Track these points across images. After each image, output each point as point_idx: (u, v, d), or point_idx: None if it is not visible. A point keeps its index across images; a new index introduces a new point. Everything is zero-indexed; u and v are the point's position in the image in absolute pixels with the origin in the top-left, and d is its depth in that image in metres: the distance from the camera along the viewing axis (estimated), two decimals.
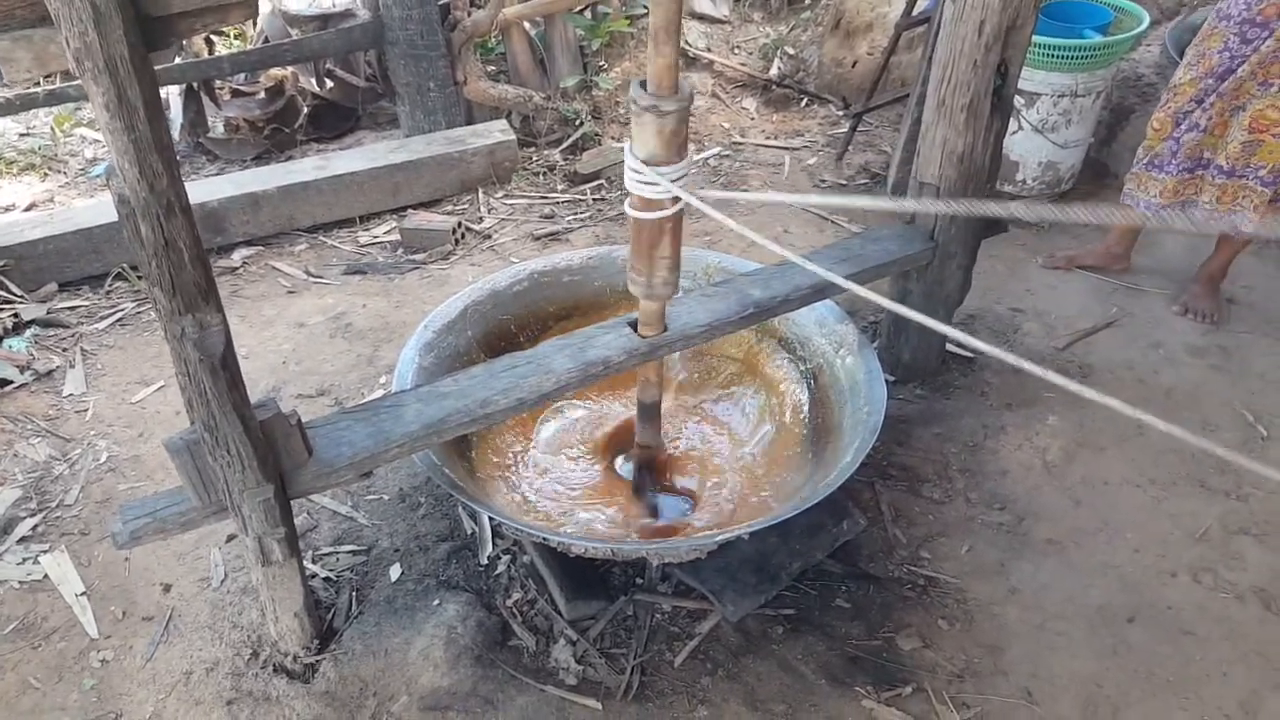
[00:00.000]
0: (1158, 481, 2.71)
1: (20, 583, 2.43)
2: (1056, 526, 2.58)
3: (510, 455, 2.66)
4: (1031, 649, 2.26)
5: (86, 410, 3.02)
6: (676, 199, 1.86)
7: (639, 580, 2.39)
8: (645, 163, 1.80)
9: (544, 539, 2.15)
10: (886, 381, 2.47)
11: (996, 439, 2.85)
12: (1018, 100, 3.70)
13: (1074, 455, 2.80)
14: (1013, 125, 3.80)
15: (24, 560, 2.49)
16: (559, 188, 4.36)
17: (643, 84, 1.76)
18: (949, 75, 2.43)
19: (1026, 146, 3.91)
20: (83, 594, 2.39)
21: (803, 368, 2.77)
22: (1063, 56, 3.61)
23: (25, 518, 2.61)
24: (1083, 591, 2.40)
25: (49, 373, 3.18)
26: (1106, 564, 2.47)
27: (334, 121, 4.93)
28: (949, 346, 3.10)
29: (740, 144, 4.75)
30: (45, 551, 2.51)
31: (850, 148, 4.54)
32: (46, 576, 2.44)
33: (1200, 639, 2.28)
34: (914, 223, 2.75)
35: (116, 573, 2.46)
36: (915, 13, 4.05)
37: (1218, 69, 2.94)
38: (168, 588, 2.42)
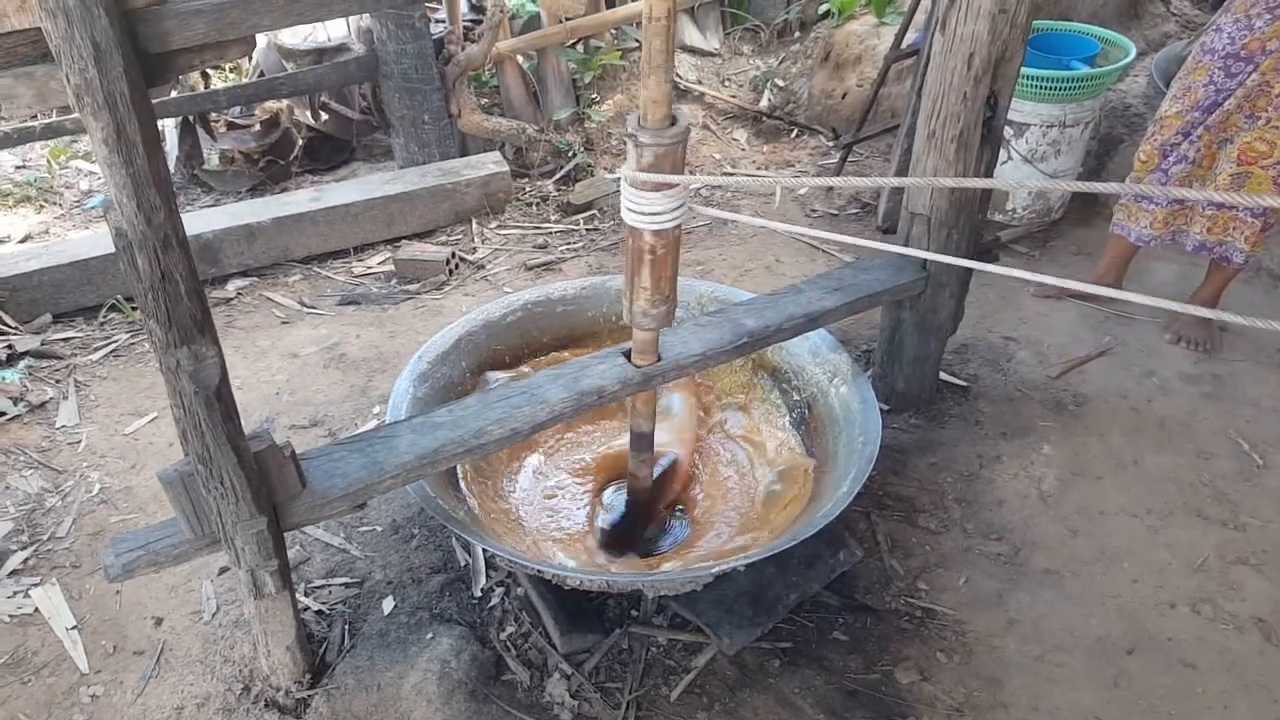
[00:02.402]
0: (1154, 511, 2.71)
1: (10, 616, 2.40)
2: (1054, 557, 2.57)
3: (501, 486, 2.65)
4: (1031, 681, 2.24)
5: (79, 442, 3.01)
6: (671, 229, 1.87)
7: (634, 613, 2.38)
8: (641, 193, 1.82)
9: (538, 571, 2.13)
10: (881, 411, 2.47)
11: (992, 468, 2.85)
12: (1007, 131, 3.74)
13: (1070, 484, 2.80)
14: (1002, 155, 3.84)
15: (14, 594, 2.46)
16: (552, 218, 4.38)
17: (638, 116, 1.77)
18: (939, 108, 2.46)
19: (1016, 176, 3.94)
20: (74, 628, 2.37)
21: (796, 398, 2.77)
22: (1051, 88, 3.65)
23: (16, 550, 2.58)
24: (1082, 622, 2.39)
25: (42, 404, 3.16)
26: (1105, 594, 2.46)
27: (329, 154, 4.96)
28: (943, 375, 3.11)
29: (732, 175, 4.78)
30: (36, 585, 2.48)
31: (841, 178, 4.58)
32: (37, 610, 2.42)
33: (1201, 671, 2.27)
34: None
35: (108, 606, 2.44)
36: (904, 45, 4.10)
37: (1203, 102, 2.98)
38: (159, 621, 2.40)
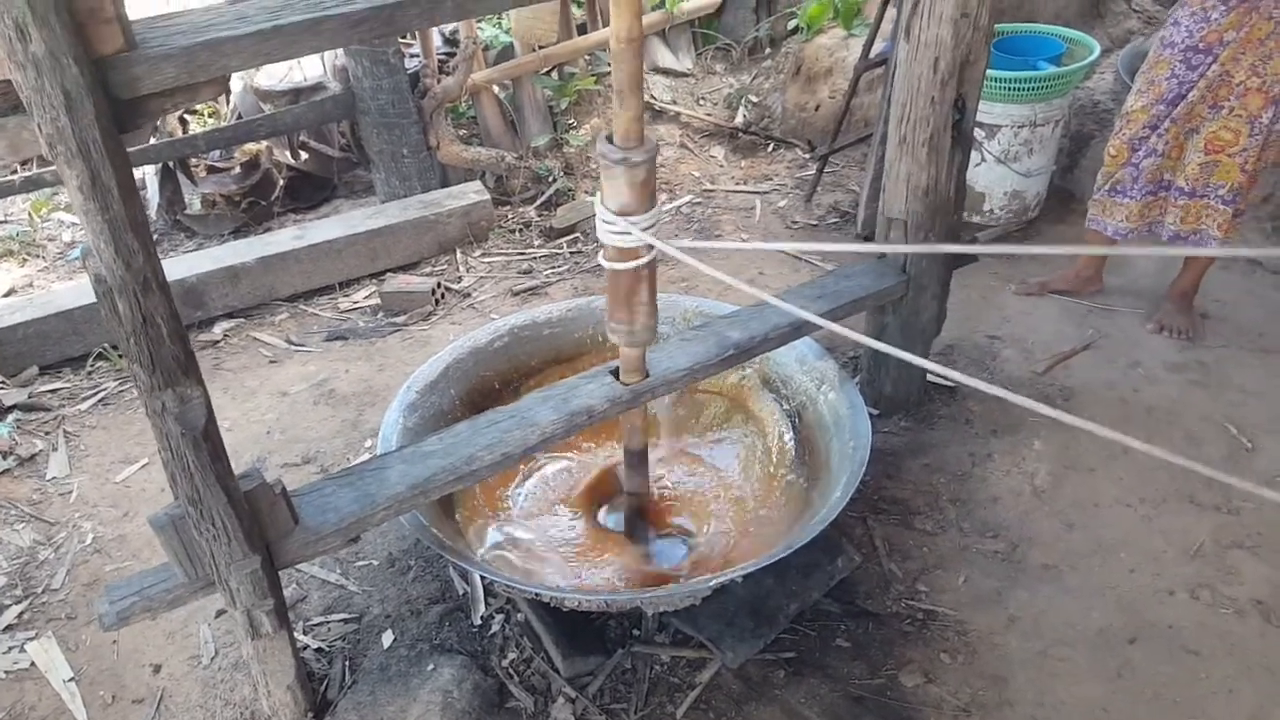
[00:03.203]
0: (1147, 500, 2.72)
1: (6, 672, 2.38)
2: (1051, 551, 2.58)
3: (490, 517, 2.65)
4: (1035, 677, 2.24)
5: (70, 492, 2.99)
6: (650, 247, 1.88)
7: (635, 632, 2.37)
8: (617, 214, 1.83)
9: (536, 594, 2.13)
10: (870, 415, 2.48)
11: (984, 466, 2.86)
12: (979, 133, 3.78)
13: (1062, 478, 2.81)
14: (976, 157, 3.88)
15: (9, 649, 2.44)
16: (535, 243, 4.40)
17: (608, 138, 1.80)
18: (908, 113, 2.49)
19: (990, 177, 3.98)
20: (71, 680, 2.35)
21: (786, 406, 2.78)
22: (1019, 89, 3.70)
23: (10, 605, 2.57)
24: (1082, 615, 2.39)
25: (32, 457, 3.15)
26: (1104, 586, 2.47)
27: (310, 192, 4.97)
28: (930, 377, 3.12)
29: (711, 191, 4.82)
30: (32, 639, 2.47)
31: (819, 189, 4.61)
32: (33, 664, 2.40)
33: (1203, 657, 2.27)
34: (885, 257, 2.79)
35: (105, 656, 2.42)
36: (872, 55, 4.15)
37: (1167, 95, 3.02)
38: (157, 668, 2.38)
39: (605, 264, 1.94)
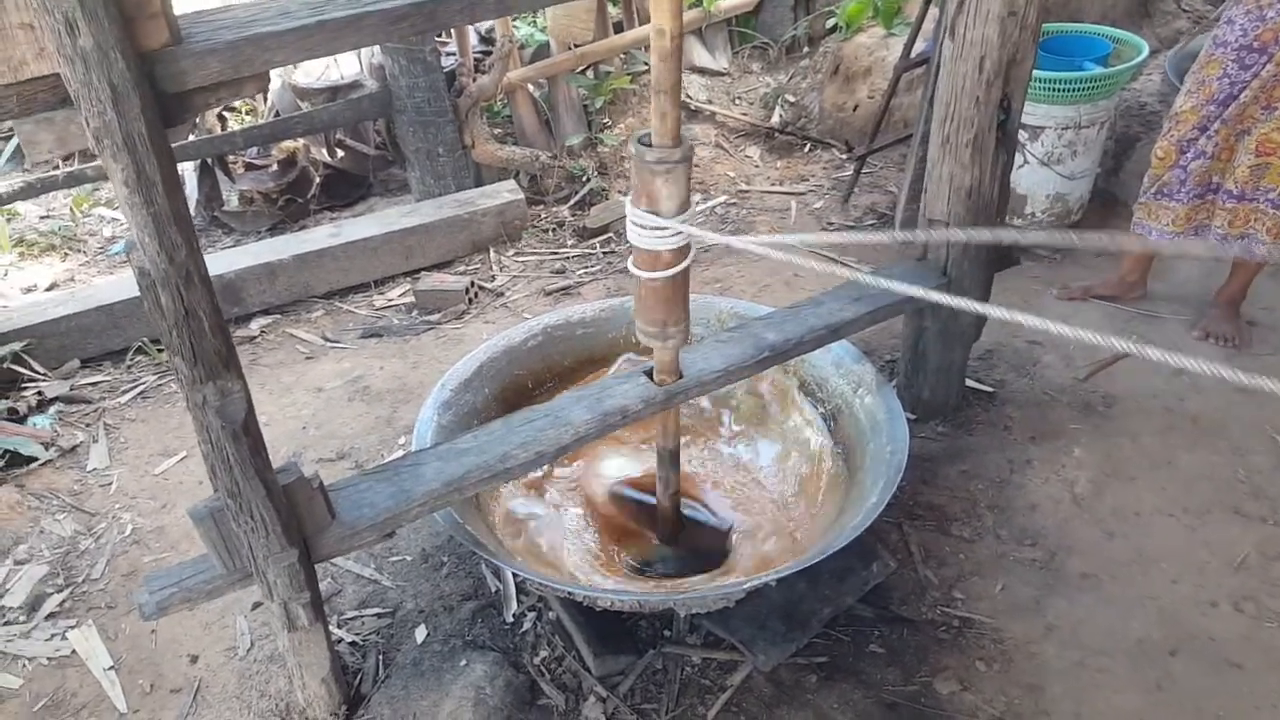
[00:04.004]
0: (1191, 510, 2.66)
1: (49, 659, 2.42)
2: (1090, 560, 2.53)
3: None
4: (1073, 687, 2.20)
5: (110, 484, 3.04)
6: (682, 253, 1.87)
7: (667, 632, 2.36)
8: (651, 214, 1.82)
9: (569, 593, 2.12)
10: (908, 420, 2.45)
11: (1023, 473, 2.82)
12: (1022, 134, 3.73)
13: (1103, 486, 2.76)
14: (1018, 159, 3.82)
15: (52, 636, 2.48)
16: (568, 243, 4.40)
17: (641, 139, 1.78)
18: (952, 112, 2.45)
19: (1033, 179, 3.92)
20: (111, 668, 2.38)
21: (822, 409, 2.75)
22: (1064, 89, 3.64)
23: (52, 594, 2.61)
24: (1122, 625, 2.34)
25: (73, 448, 3.20)
26: (1144, 596, 2.42)
27: (346, 190, 5.01)
28: (968, 382, 3.08)
29: (746, 191, 4.79)
30: (73, 627, 2.50)
31: (856, 189, 4.57)
32: (74, 652, 2.43)
33: (1246, 671, 2.22)
34: (926, 259, 2.75)
35: (144, 645, 2.45)
36: (913, 55, 4.10)
37: (1218, 95, 2.95)
38: (195, 659, 2.41)
39: (634, 271, 1.93)
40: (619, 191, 4.72)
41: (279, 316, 3.97)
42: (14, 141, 5.00)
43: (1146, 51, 3.78)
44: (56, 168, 4.12)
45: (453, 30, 4.54)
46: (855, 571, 2.36)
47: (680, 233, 1.84)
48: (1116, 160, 4.26)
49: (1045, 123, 3.77)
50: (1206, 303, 3.43)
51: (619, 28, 5.13)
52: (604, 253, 4.29)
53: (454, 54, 4.56)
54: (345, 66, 5.10)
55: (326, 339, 3.80)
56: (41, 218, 4.95)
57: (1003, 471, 2.83)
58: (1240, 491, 2.70)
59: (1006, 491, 2.76)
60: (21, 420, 3.27)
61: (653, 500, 2.45)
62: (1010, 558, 2.55)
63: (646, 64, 5.21)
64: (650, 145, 1.77)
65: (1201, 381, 3.14)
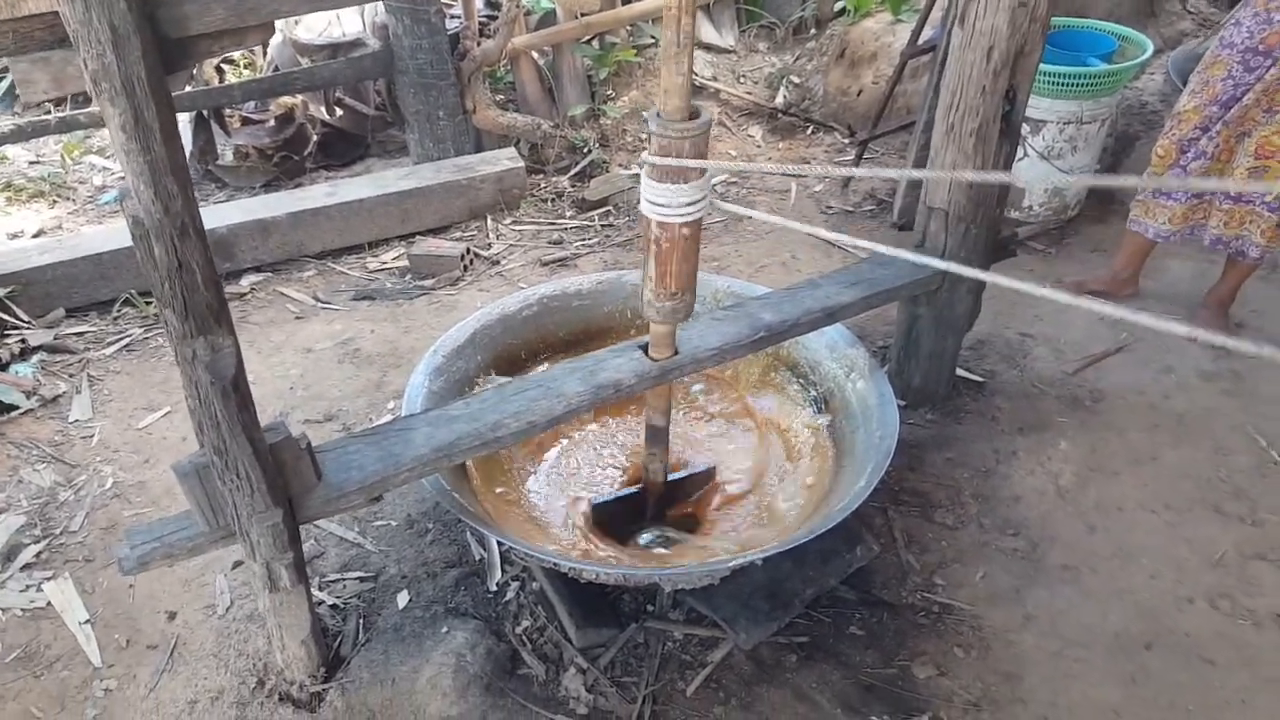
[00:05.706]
0: (1172, 506, 2.68)
1: (23, 610, 2.40)
2: (1071, 552, 2.55)
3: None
4: (1049, 677, 2.22)
5: (92, 436, 3.01)
6: (693, 221, 1.86)
7: (650, 607, 2.37)
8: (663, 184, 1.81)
9: (554, 564, 2.12)
10: (898, 406, 2.46)
11: (1009, 464, 2.83)
12: (1024, 127, 3.71)
13: (1087, 480, 2.77)
14: (1019, 152, 3.81)
15: (27, 587, 2.46)
16: (567, 214, 4.38)
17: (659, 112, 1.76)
18: (957, 101, 2.44)
19: (1032, 173, 3.92)
20: (86, 622, 2.37)
21: (813, 392, 2.75)
22: (1068, 84, 3.63)
23: (29, 544, 2.59)
24: (1100, 618, 2.37)
25: (55, 399, 3.17)
26: (1123, 590, 2.44)
27: (343, 149, 4.96)
28: (959, 371, 3.08)
29: (747, 171, 4.77)
30: (49, 579, 2.49)
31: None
32: (50, 604, 2.42)
33: (1219, 667, 2.24)
34: (923, 247, 2.74)
35: (121, 600, 2.44)
36: (920, 42, 4.07)
37: (1222, 97, 2.95)
38: (173, 615, 2.40)
39: (644, 236, 1.90)
40: (620, 164, 4.69)
41: (270, 274, 3.93)
42: (4, 82, 4.90)
43: (1151, 50, 3.78)
44: (48, 112, 4.04)
45: None
46: (839, 554, 2.37)
47: (697, 200, 1.81)
48: (1115, 158, 4.25)
49: (1047, 117, 3.76)
50: (1197, 303, 3.45)
51: None
52: (602, 225, 4.27)
53: (459, 16, 4.51)
54: (348, 24, 5.04)
55: (318, 299, 3.77)
56: (31, 163, 4.87)
57: (989, 461, 2.84)
58: (1221, 490, 2.72)
59: (991, 481, 2.78)
60: (3, 368, 3.24)
61: (634, 490, 2.47)
62: (992, 547, 2.57)
63: (653, 36, 5.16)
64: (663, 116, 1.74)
65: (1188, 380, 3.16)
